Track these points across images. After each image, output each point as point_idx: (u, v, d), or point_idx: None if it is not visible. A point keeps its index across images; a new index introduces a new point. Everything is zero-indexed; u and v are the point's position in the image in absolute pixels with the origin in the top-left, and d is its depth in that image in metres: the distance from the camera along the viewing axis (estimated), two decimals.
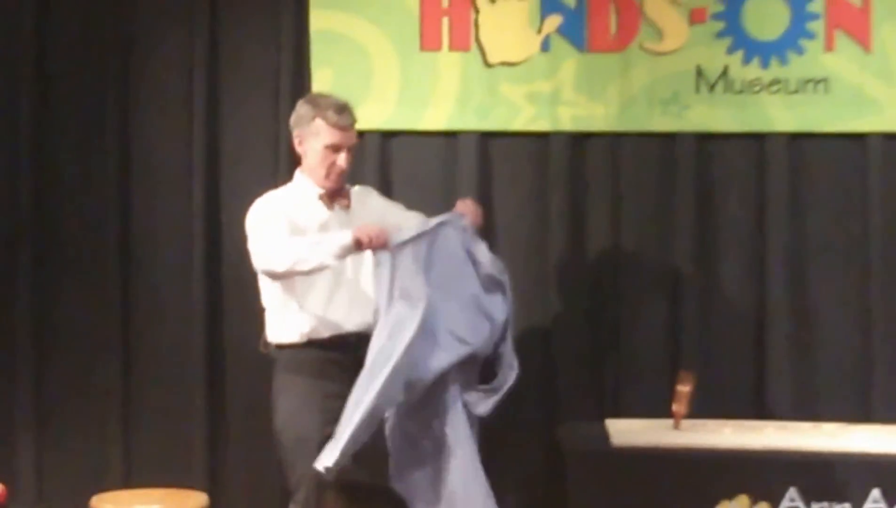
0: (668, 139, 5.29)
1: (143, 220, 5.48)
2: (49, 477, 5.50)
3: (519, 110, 5.28)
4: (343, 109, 4.46)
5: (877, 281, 5.18)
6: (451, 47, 5.33)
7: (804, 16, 5.23)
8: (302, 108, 4.53)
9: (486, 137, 5.31)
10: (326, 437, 4.20)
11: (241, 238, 5.26)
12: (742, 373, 5.26)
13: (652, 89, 5.26)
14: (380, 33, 5.35)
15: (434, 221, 4.40)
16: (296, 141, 4.52)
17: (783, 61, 5.23)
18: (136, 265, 5.47)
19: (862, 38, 5.21)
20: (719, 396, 5.18)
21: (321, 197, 4.47)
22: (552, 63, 5.29)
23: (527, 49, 5.31)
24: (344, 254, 4.22)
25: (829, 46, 5.23)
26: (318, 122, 4.44)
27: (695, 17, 5.27)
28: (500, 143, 5.31)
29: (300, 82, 5.37)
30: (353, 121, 4.50)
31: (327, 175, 4.45)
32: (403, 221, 4.56)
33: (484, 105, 5.28)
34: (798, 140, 5.24)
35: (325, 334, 4.40)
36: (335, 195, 4.50)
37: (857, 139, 5.23)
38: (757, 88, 5.23)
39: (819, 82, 5.21)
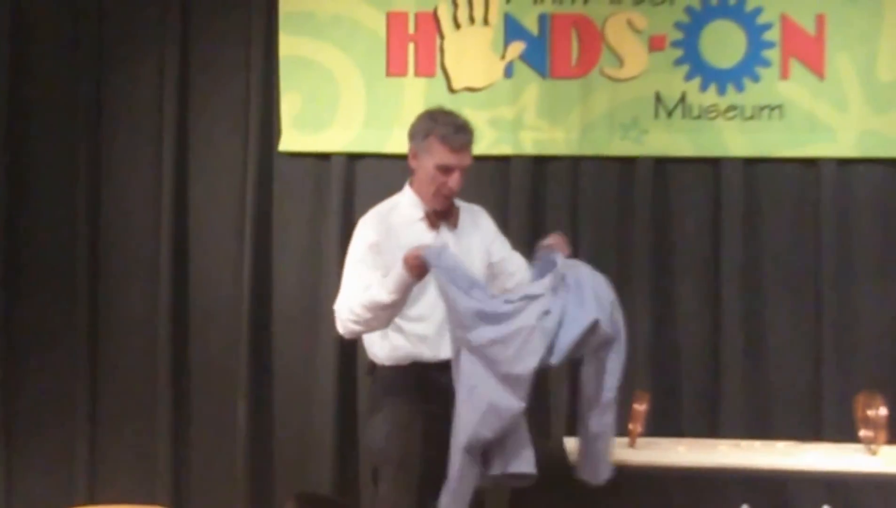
0: (628, 163, 5.37)
1: (111, 238, 5.54)
2: (16, 494, 5.53)
3: (481, 135, 5.23)
4: (460, 129, 4.25)
5: (829, 303, 5.26)
6: (417, 73, 5.42)
7: (760, 44, 5.34)
8: (420, 122, 4.31)
9: None
10: (428, 461, 4.10)
11: (208, 255, 5.40)
12: (697, 393, 5.34)
13: (612, 115, 5.36)
14: (347, 59, 5.43)
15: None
16: (410, 154, 4.32)
17: (739, 88, 5.34)
18: (103, 284, 5.53)
19: (816, 66, 5.32)
20: (674, 415, 5.28)
21: (425, 216, 4.30)
22: (515, 89, 5.39)
23: (490, 75, 5.41)
24: (399, 284, 4.00)
25: (784, 74, 5.33)
26: (433, 140, 4.22)
27: (654, 45, 5.37)
28: None
29: (269, 107, 5.46)
30: (469, 141, 4.28)
31: (435, 195, 4.26)
32: (508, 259, 4.43)
33: None
34: (753, 165, 5.34)
35: (426, 357, 4.23)
36: (441, 215, 4.32)
37: (811, 164, 5.32)
38: (713, 115, 5.33)
39: (774, 109, 5.32)
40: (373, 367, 4.37)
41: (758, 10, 5.35)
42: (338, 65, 5.45)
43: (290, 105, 5.45)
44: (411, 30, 5.44)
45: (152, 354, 5.47)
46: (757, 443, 4.85)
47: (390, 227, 4.28)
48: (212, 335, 5.49)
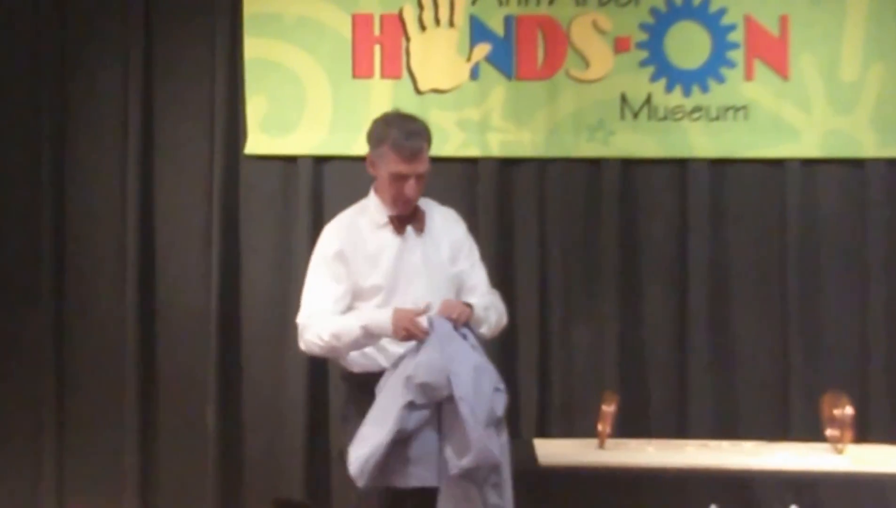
0: (594, 165, 5.40)
1: (76, 243, 5.52)
2: None
3: (449, 136, 5.35)
4: (412, 135, 4.13)
5: (794, 302, 5.30)
6: (383, 75, 5.42)
7: (725, 45, 5.37)
8: (375, 128, 4.24)
9: None
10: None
11: (176, 260, 5.37)
12: (665, 393, 5.37)
13: (578, 116, 5.38)
14: (313, 61, 5.43)
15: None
16: (367, 162, 4.24)
17: (704, 89, 5.37)
18: (69, 290, 5.51)
19: (780, 67, 5.36)
20: (643, 416, 5.31)
21: (390, 221, 4.22)
22: (481, 90, 5.40)
23: (457, 77, 5.42)
24: (374, 333, 4.07)
25: (748, 75, 5.37)
26: (386, 148, 4.13)
27: (619, 46, 5.39)
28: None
29: (235, 109, 5.45)
30: (422, 147, 4.16)
31: (394, 202, 4.18)
32: (469, 273, 4.30)
33: None
34: (718, 165, 5.37)
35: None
36: (406, 219, 4.23)
37: (776, 165, 5.36)
38: (679, 116, 5.36)
39: (739, 110, 5.35)
40: (345, 373, 4.33)
41: (722, 11, 5.38)
42: (303, 67, 5.44)
43: (255, 108, 5.44)
44: (377, 32, 5.44)
45: (120, 360, 5.45)
46: (725, 443, 4.89)
47: (355, 233, 4.24)
48: (180, 341, 5.48)
